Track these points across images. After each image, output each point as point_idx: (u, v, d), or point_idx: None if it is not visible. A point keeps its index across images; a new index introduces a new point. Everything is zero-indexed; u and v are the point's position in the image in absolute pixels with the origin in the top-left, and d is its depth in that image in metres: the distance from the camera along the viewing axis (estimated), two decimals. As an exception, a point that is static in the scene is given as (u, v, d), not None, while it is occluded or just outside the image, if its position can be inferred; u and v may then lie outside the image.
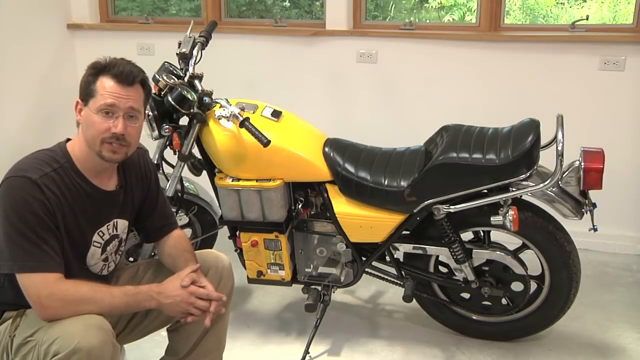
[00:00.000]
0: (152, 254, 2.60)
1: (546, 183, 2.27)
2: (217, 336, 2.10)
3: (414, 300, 2.57)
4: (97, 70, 1.76)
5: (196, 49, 2.54)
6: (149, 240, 2.13)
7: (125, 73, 1.75)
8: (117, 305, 1.74)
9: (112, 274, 1.99)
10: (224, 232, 2.71)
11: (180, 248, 2.02)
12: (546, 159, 2.37)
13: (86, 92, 1.76)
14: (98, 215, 1.85)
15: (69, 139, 1.85)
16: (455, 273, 2.50)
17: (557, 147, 2.26)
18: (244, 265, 2.61)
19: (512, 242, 2.50)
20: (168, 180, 2.52)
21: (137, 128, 1.81)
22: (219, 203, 2.53)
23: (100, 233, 1.87)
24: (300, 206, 2.51)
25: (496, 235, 2.49)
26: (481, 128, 2.44)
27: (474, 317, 2.62)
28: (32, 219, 1.66)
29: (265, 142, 2.26)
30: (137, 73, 1.79)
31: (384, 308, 2.94)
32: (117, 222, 1.92)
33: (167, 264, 2.02)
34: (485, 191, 2.35)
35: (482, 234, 2.53)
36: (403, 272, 2.58)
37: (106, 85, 1.74)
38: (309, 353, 2.54)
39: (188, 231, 2.87)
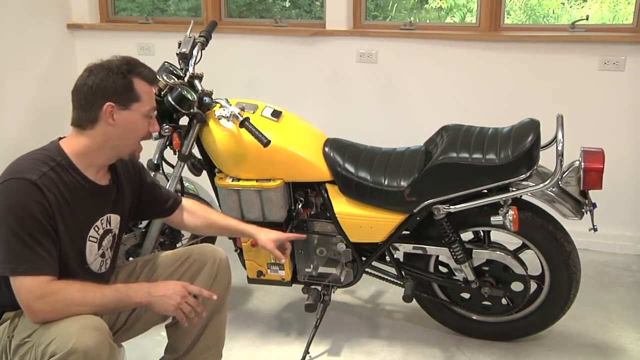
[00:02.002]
0: (152, 253, 2.60)
1: (546, 183, 2.27)
2: (216, 332, 2.12)
3: (414, 300, 2.57)
4: (126, 72, 1.77)
5: (196, 49, 2.54)
6: (169, 220, 2.19)
7: (152, 74, 1.85)
8: (109, 303, 1.73)
9: (110, 272, 2.00)
10: (224, 232, 2.71)
11: (200, 207, 2.22)
12: (546, 159, 2.37)
13: (127, 96, 1.76)
14: (93, 210, 1.86)
15: (60, 138, 1.84)
16: (455, 273, 2.50)
17: (557, 147, 2.26)
18: (244, 265, 2.61)
19: (512, 242, 2.50)
20: (168, 180, 2.53)
21: None
22: (219, 203, 2.54)
23: (96, 227, 1.87)
24: (300, 206, 2.51)
25: (496, 235, 2.49)
26: (481, 128, 2.44)
27: (474, 317, 2.62)
28: (29, 222, 1.66)
29: (265, 142, 2.26)
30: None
31: (384, 308, 2.94)
32: (110, 217, 1.93)
33: (196, 226, 2.19)
34: (485, 191, 2.35)
35: (482, 234, 2.53)
36: (403, 272, 2.58)
37: (145, 88, 1.80)
38: (309, 353, 2.54)
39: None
